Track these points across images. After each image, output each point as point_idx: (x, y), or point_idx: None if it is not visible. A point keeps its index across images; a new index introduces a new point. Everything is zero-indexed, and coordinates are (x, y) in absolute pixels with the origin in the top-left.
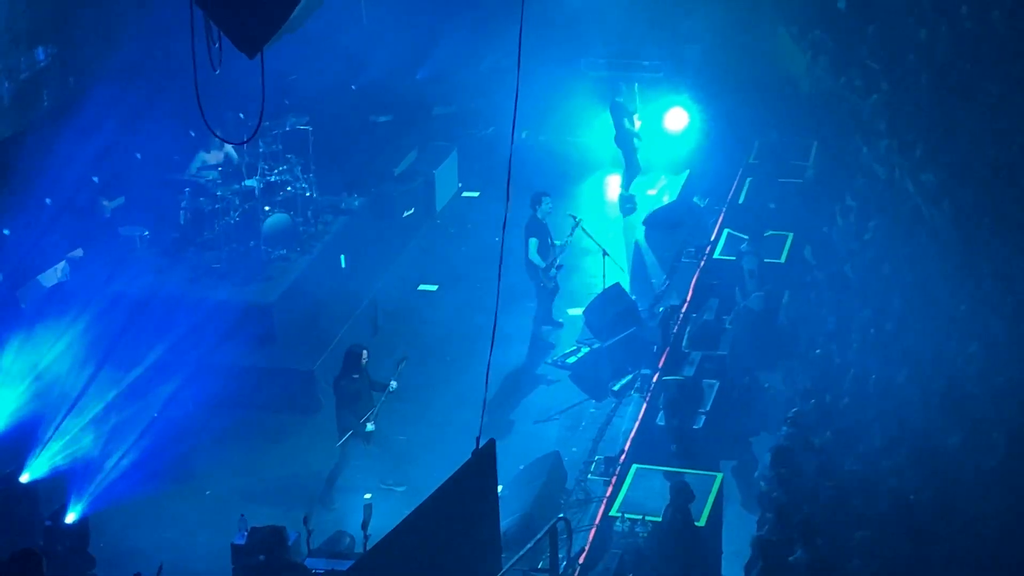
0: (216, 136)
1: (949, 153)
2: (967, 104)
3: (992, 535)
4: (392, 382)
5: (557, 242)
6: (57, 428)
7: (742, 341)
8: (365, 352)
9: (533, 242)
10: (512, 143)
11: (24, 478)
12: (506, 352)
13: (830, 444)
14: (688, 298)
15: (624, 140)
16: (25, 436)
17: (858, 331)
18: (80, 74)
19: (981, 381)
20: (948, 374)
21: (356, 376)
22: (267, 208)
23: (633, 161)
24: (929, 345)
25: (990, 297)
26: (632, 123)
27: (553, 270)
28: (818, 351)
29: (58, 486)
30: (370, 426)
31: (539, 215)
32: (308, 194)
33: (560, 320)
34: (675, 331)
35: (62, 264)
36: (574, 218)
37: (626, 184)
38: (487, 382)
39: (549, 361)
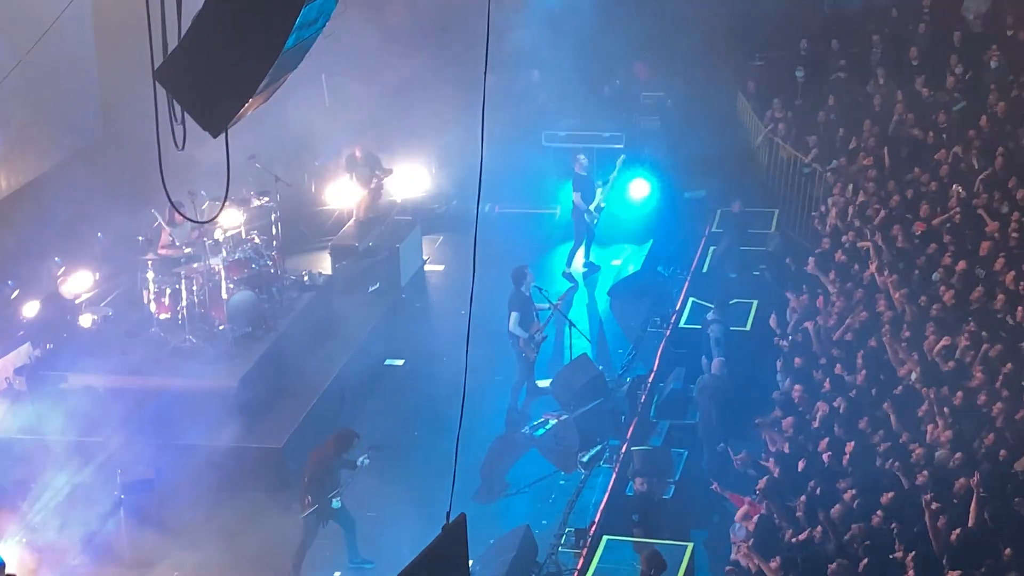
0: (181, 215)
1: (905, 219)
2: (923, 170)
3: None
4: (362, 459)
5: (541, 315)
6: (22, 512)
7: (709, 409)
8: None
9: (515, 315)
10: (477, 216)
11: None
12: (475, 425)
13: (805, 510)
14: (655, 367)
15: (575, 214)
16: None
17: (824, 400)
18: (39, 156)
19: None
20: (921, 442)
21: (333, 456)
22: (231, 286)
23: (579, 235)
24: (898, 414)
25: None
26: (590, 199)
27: (537, 337)
28: (780, 419)
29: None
30: (336, 502)
31: (522, 289)
32: (272, 271)
33: (543, 387)
34: (642, 401)
35: (26, 346)
36: (551, 303)
37: (568, 259)
38: (456, 456)
39: (520, 433)
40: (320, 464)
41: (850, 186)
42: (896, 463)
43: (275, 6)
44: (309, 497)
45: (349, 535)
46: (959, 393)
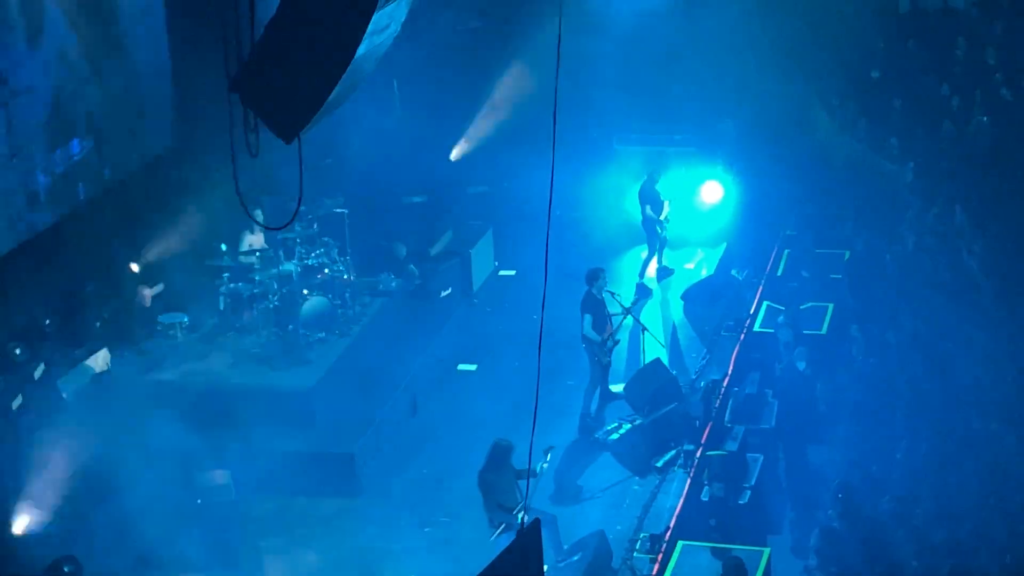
0: (255, 221)
1: (990, 222)
2: (1004, 172)
3: None
4: (541, 464)
5: (613, 317)
6: (103, 518)
7: (786, 413)
8: (512, 447)
9: (588, 318)
10: (549, 220)
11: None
12: (549, 430)
13: (882, 516)
14: (729, 371)
15: (647, 225)
16: (72, 527)
17: (902, 405)
18: (115, 165)
19: None
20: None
21: (502, 470)
22: (305, 291)
23: (652, 246)
24: (975, 424)
25: None
26: (659, 210)
27: (610, 342)
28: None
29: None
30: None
31: (594, 291)
32: (345, 276)
33: (617, 392)
34: (717, 405)
35: (103, 352)
36: (624, 307)
37: (641, 269)
38: (530, 461)
39: (594, 438)
40: (492, 485)
41: (928, 187)
42: None
43: (346, 13)
44: (495, 519)
45: (552, 535)
46: None
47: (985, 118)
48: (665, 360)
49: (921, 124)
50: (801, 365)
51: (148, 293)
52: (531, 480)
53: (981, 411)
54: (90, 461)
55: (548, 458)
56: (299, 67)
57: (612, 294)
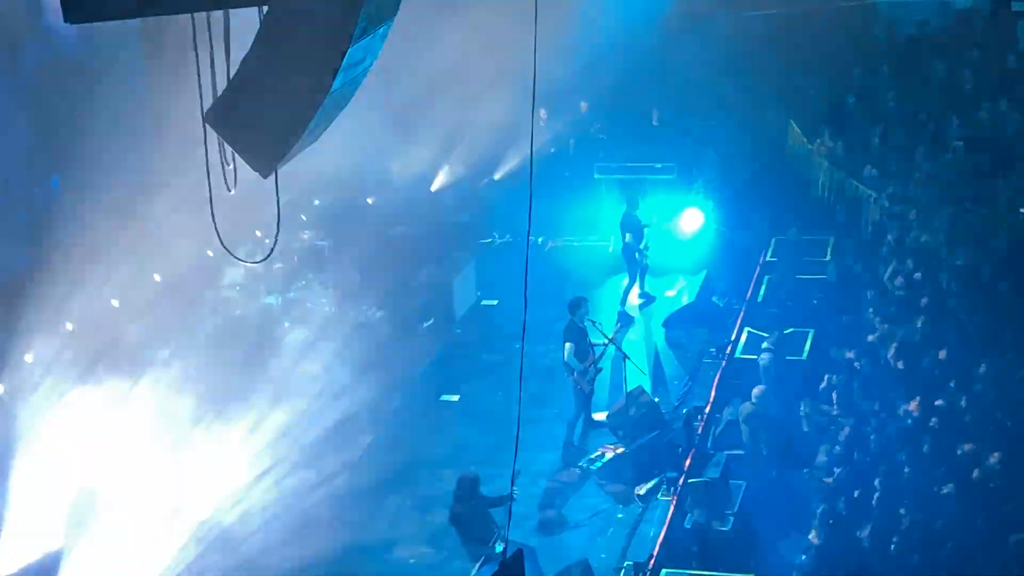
0: (234, 256)
1: (968, 245)
2: (981, 195)
3: None
4: (513, 489)
5: (596, 346)
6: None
7: (755, 438)
8: (478, 477)
9: (570, 347)
10: (528, 249)
11: None
12: (533, 459)
13: (865, 541)
14: (711, 398)
15: (626, 253)
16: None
17: (879, 425)
18: (95, 200)
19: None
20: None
21: (473, 502)
22: (287, 324)
23: (632, 274)
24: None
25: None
26: (639, 238)
27: (592, 370)
28: (838, 448)
29: None
30: (499, 546)
31: (576, 320)
32: (327, 309)
33: (599, 420)
34: (699, 432)
35: (89, 387)
36: (605, 336)
37: (623, 297)
38: (512, 491)
39: (577, 466)
40: (464, 518)
41: (907, 210)
42: None
43: (322, 47)
44: (471, 553)
45: (532, 567)
46: None
47: (961, 143)
48: (647, 388)
49: (898, 149)
50: (754, 401)
51: (131, 328)
52: (504, 507)
53: (962, 433)
54: (76, 497)
55: (515, 484)
56: (275, 100)
57: (594, 323)
